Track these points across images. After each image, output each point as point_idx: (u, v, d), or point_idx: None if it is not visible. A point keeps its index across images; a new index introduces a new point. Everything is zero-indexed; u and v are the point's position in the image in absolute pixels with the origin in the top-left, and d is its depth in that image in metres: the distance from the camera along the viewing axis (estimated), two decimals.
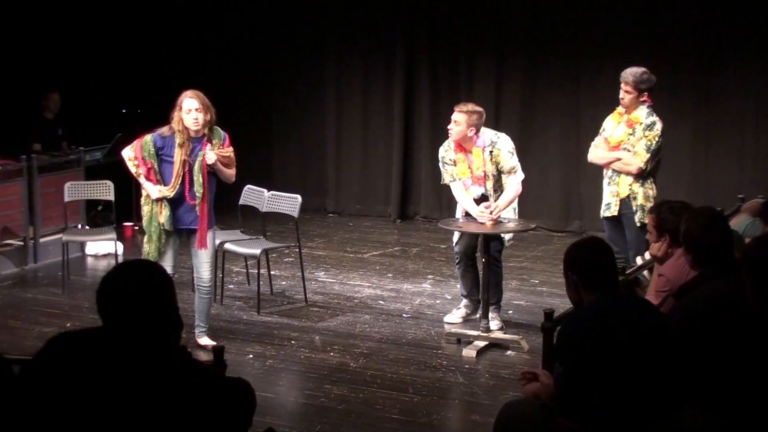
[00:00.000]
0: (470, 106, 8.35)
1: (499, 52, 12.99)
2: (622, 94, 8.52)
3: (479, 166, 8.32)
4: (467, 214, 8.41)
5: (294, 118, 14.36)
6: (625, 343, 4.40)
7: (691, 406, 4.42)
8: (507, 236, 8.56)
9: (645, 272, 6.73)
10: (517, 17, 12.84)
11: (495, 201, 8.29)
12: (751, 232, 6.23)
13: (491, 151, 8.31)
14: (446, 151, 8.47)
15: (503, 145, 8.35)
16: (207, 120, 7.89)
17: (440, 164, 8.52)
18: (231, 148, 8.07)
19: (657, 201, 8.01)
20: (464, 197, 8.40)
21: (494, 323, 8.59)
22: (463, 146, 8.36)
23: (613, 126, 8.64)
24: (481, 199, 8.37)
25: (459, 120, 8.26)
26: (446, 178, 8.50)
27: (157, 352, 3.41)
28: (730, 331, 4.36)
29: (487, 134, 8.38)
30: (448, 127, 8.36)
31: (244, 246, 9.52)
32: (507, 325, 8.69)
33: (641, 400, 4.38)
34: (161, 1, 14.25)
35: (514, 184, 8.35)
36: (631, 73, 8.48)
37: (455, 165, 8.41)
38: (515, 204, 8.53)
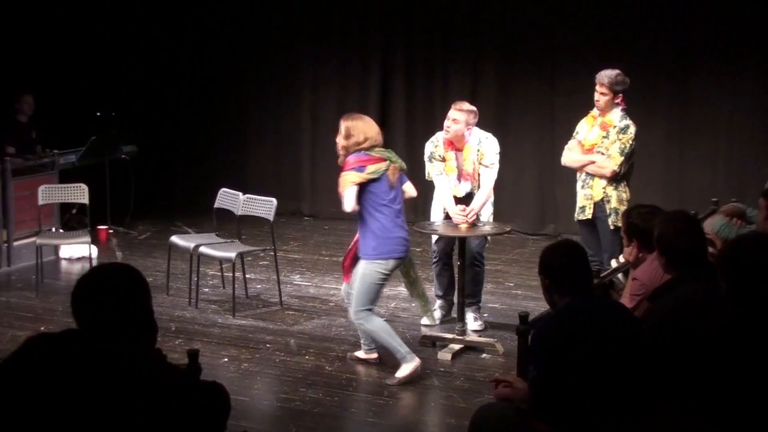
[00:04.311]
0: (467, 105, 8.47)
1: (474, 56, 13.01)
2: (597, 96, 8.54)
3: (471, 163, 8.38)
4: (447, 216, 8.45)
5: (269, 121, 14.34)
6: (599, 346, 4.42)
7: (665, 408, 4.44)
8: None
9: (620, 275, 6.75)
10: (492, 20, 12.85)
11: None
12: (725, 233, 6.25)
13: (478, 150, 8.38)
14: (436, 147, 8.51)
15: (491, 144, 8.49)
16: (343, 145, 7.43)
17: (426, 159, 8.55)
18: (345, 172, 7.37)
19: (630, 204, 8.07)
20: (446, 193, 8.44)
21: (478, 323, 8.65)
22: (455, 144, 8.42)
23: (586, 129, 8.67)
24: (467, 197, 8.42)
25: (459, 119, 8.33)
26: (433, 172, 8.54)
27: (131, 356, 3.41)
28: (703, 334, 4.38)
29: (477, 133, 8.47)
30: (446, 125, 8.38)
31: (219, 249, 9.50)
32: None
33: (615, 402, 4.40)
34: (136, 4, 14.22)
35: (488, 180, 8.41)
36: (606, 75, 8.50)
37: (443, 161, 8.46)
38: (492, 198, 8.60)
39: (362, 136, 7.36)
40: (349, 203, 7.32)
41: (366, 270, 7.42)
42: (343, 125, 7.43)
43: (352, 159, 7.32)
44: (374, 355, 7.86)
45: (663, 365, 4.54)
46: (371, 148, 7.38)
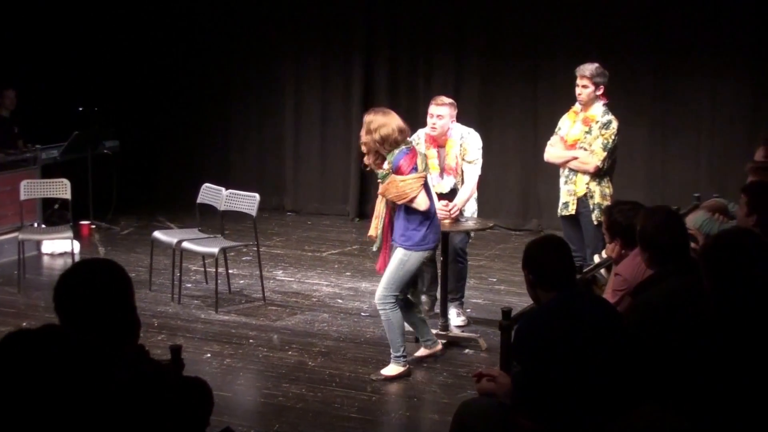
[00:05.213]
0: (446, 99, 8.51)
1: (458, 52, 13.02)
2: (579, 90, 8.55)
3: (453, 157, 8.37)
4: None
5: (252, 116, 14.33)
6: (582, 341, 4.43)
7: (648, 404, 4.45)
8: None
9: (602, 270, 6.77)
10: (475, 17, 12.87)
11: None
12: (707, 228, 6.27)
13: (461, 145, 8.39)
14: (417, 145, 8.49)
15: (473, 139, 8.49)
16: (364, 141, 7.35)
17: None
18: (398, 177, 7.21)
19: (613, 199, 8.10)
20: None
21: (460, 319, 8.65)
22: (437, 141, 8.42)
23: (568, 125, 8.68)
24: (451, 192, 8.42)
25: (443, 113, 8.34)
26: None
27: (114, 351, 3.40)
28: (686, 329, 4.40)
29: (459, 128, 8.48)
30: (432, 123, 8.34)
31: (201, 245, 9.48)
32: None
33: (598, 398, 4.41)
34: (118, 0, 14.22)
35: (471, 176, 8.42)
36: (587, 67, 8.53)
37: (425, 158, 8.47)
38: (476, 194, 8.60)
39: (385, 132, 7.23)
40: (425, 203, 7.28)
41: (408, 258, 7.37)
42: (365, 123, 7.34)
43: (404, 164, 7.21)
44: (438, 347, 7.90)
45: (645, 360, 4.55)
46: (406, 141, 7.34)
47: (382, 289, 7.44)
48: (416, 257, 7.40)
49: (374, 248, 7.73)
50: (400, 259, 7.38)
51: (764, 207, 5.96)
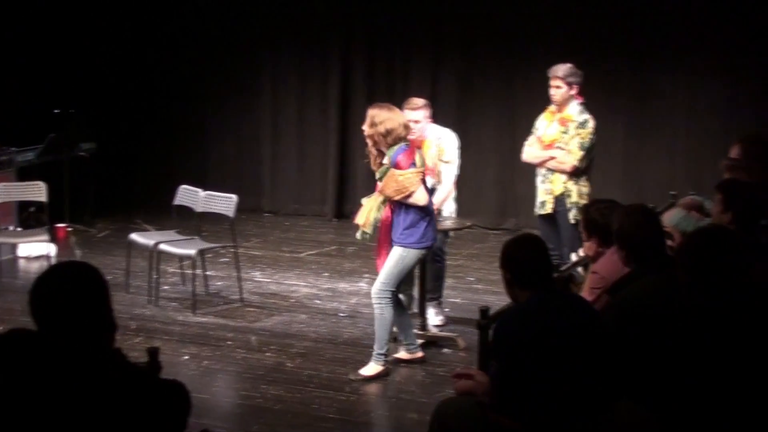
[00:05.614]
0: (419, 101, 8.44)
1: (435, 52, 13.04)
2: (553, 91, 8.57)
3: (430, 157, 8.37)
4: None
5: (229, 117, 14.29)
6: (560, 339, 4.43)
7: (624, 402, 4.47)
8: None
9: (579, 269, 6.78)
10: (452, 17, 12.89)
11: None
12: (683, 226, 6.30)
13: (438, 145, 8.40)
14: None
15: (450, 140, 8.50)
16: (368, 134, 7.44)
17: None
18: (397, 171, 7.30)
19: (590, 198, 8.12)
20: None
21: (439, 318, 8.65)
22: (413, 142, 8.41)
23: (545, 125, 8.70)
24: (430, 192, 8.41)
25: (418, 118, 8.29)
26: None
27: (90, 354, 3.38)
28: (663, 326, 4.41)
29: (436, 128, 8.51)
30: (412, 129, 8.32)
31: (179, 246, 9.46)
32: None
33: (576, 395, 4.42)
34: (94, 0, 14.14)
35: (448, 176, 8.43)
36: (559, 68, 8.56)
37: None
38: (454, 193, 8.60)
39: (390, 125, 7.33)
40: (425, 197, 7.39)
41: (407, 254, 7.44)
42: (369, 116, 7.42)
43: (402, 159, 7.29)
44: (419, 354, 7.86)
45: (622, 358, 4.56)
46: (405, 139, 7.40)
47: (379, 284, 7.48)
48: (415, 254, 7.49)
49: (357, 236, 7.74)
50: (400, 255, 7.43)
51: (739, 204, 6.01)
